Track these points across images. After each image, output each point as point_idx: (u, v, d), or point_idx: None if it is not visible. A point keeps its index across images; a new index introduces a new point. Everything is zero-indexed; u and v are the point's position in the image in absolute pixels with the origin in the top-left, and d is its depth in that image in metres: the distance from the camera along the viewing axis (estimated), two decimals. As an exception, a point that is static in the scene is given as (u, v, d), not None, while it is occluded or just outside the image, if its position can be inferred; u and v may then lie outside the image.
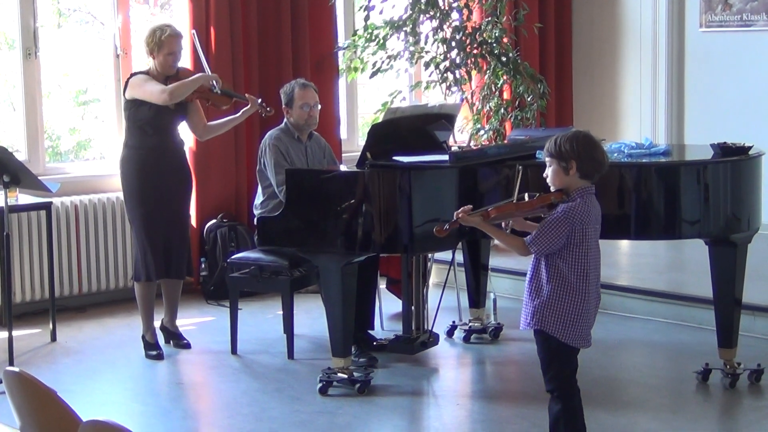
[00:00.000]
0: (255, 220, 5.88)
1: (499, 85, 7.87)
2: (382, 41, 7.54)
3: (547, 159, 3.91)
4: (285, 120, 5.89)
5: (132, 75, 5.80)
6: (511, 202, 3.92)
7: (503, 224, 4.00)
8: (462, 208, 3.95)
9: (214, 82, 5.76)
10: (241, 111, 5.93)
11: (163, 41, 5.69)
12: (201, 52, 5.96)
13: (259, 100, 5.89)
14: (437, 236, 4.03)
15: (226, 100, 5.93)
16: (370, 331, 5.89)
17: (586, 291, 3.86)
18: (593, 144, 3.91)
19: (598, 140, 3.98)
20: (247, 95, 5.98)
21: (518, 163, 4.41)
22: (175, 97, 5.61)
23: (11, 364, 5.32)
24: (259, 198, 5.87)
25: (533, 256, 3.90)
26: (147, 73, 5.74)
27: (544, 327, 3.87)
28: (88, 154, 7.53)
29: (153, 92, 5.60)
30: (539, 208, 3.90)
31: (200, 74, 5.78)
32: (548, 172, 3.90)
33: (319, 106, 5.94)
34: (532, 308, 3.90)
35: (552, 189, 3.91)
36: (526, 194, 3.92)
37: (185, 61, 6.44)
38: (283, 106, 5.88)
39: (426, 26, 7.69)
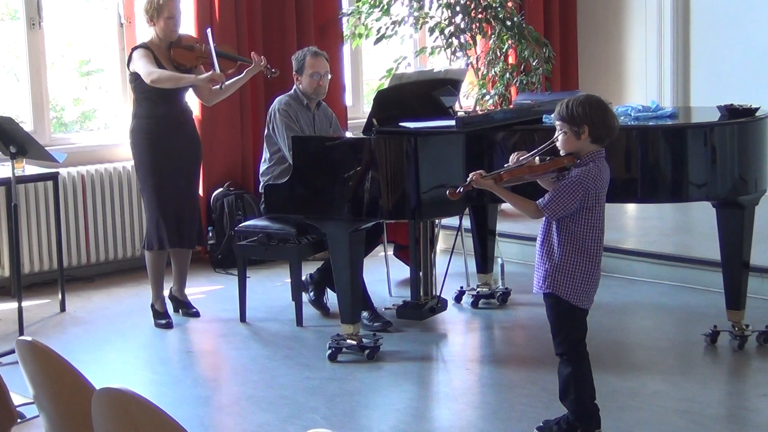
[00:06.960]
0: (260, 186, 5.89)
1: (504, 50, 7.84)
2: (386, 7, 7.51)
3: (557, 123, 3.90)
4: (294, 87, 5.87)
5: (134, 49, 5.76)
6: (524, 166, 3.92)
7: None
8: (475, 172, 3.95)
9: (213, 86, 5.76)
10: (245, 72, 5.89)
11: (162, 5, 5.67)
12: (213, 50, 5.71)
13: (263, 62, 5.86)
14: (450, 199, 4.02)
15: (230, 64, 5.90)
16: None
17: (596, 253, 3.87)
18: (605, 109, 3.89)
19: (609, 104, 3.98)
20: (252, 54, 5.92)
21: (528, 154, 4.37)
22: (155, 84, 5.57)
23: (21, 334, 5.34)
24: (265, 164, 5.86)
25: (544, 219, 3.91)
26: (148, 45, 5.71)
27: (555, 290, 3.88)
28: (92, 125, 7.52)
29: (143, 73, 5.58)
30: (551, 172, 3.90)
31: (195, 77, 5.68)
32: (558, 136, 3.89)
33: (329, 76, 5.92)
34: (543, 271, 3.91)
35: (562, 153, 3.91)
36: (537, 158, 3.92)
37: (188, 28, 6.39)
38: (294, 73, 5.86)
39: (430, -9, 7.66)
